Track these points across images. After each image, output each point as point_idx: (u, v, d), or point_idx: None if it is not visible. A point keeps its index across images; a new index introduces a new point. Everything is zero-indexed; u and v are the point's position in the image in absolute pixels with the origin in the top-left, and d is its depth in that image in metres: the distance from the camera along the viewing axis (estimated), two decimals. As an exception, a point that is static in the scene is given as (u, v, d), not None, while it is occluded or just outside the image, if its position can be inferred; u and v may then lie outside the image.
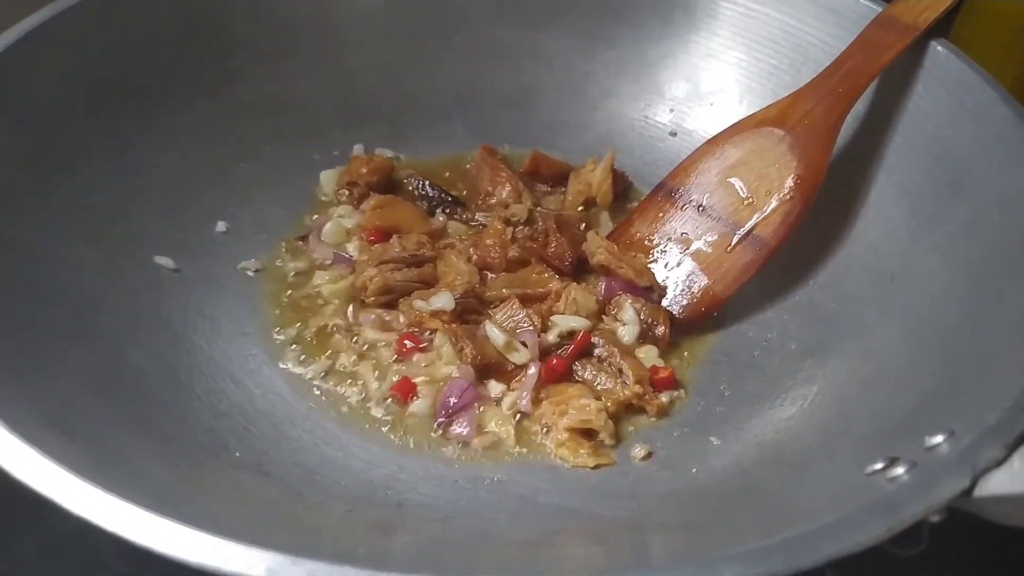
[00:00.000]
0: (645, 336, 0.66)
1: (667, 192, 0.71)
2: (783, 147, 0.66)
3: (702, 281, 0.67)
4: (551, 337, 0.64)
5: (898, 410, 0.52)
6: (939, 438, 0.44)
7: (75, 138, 0.63)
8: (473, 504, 0.54)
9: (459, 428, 0.60)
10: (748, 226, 0.66)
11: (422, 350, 0.64)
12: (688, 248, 0.68)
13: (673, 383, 0.63)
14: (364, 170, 0.75)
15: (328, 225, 0.72)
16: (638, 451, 0.59)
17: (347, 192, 0.75)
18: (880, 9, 0.70)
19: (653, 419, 0.61)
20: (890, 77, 0.68)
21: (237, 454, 0.54)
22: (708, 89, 0.79)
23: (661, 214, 0.71)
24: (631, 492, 0.56)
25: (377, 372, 0.63)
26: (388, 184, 0.77)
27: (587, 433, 0.59)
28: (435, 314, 0.65)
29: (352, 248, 0.71)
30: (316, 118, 0.78)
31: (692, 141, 0.78)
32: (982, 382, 0.48)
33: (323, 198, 0.76)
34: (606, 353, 0.63)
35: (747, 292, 0.68)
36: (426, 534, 0.51)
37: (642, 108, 0.80)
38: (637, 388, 0.60)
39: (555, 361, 0.63)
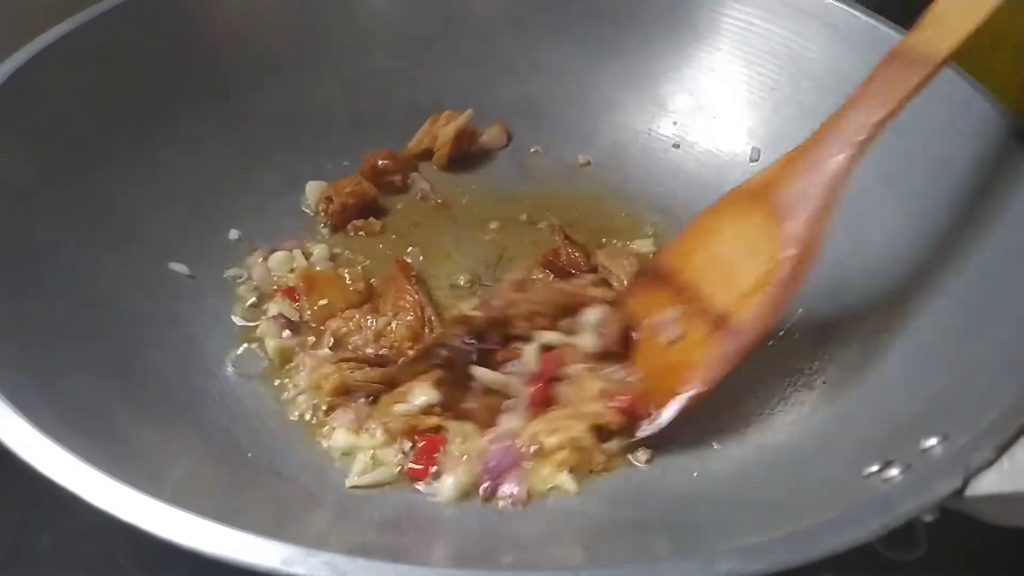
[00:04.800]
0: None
1: (654, 276, 0.63)
2: (763, 220, 0.56)
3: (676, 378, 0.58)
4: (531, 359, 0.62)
5: (895, 415, 0.53)
6: (933, 441, 0.45)
7: (93, 147, 0.65)
8: (476, 504, 0.56)
9: (509, 489, 0.55)
10: (729, 312, 0.57)
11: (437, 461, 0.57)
12: (670, 341, 0.60)
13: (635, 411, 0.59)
14: (348, 190, 0.74)
15: (279, 255, 0.70)
16: (641, 455, 0.59)
17: (324, 208, 0.74)
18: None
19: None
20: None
21: (250, 454, 0.55)
22: (711, 102, 0.80)
23: (649, 298, 0.63)
24: (634, 495, 0.56)
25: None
26: (368, 209, 0.75)
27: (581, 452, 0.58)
28: (427, 411, 0.58)
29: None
30: (326, 127, 0.79)
31: (694, 153, 0.80)
32: (976, 387, 0.49)
33: (305, 210, 0.76)
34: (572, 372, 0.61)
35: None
36: (433, 533, 0.52)
37: (646, 120, 0.81)
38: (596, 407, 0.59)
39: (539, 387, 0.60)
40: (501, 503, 0.55)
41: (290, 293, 0.67)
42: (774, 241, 0.55)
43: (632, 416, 0.58)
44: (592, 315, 0.62)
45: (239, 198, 0.73)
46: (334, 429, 0.59)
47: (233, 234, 0.71)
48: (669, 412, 0.57)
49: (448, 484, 0.55)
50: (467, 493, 0.55)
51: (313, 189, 0.76)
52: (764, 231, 0.55)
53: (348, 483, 0.55)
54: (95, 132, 0.65)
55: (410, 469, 0.56)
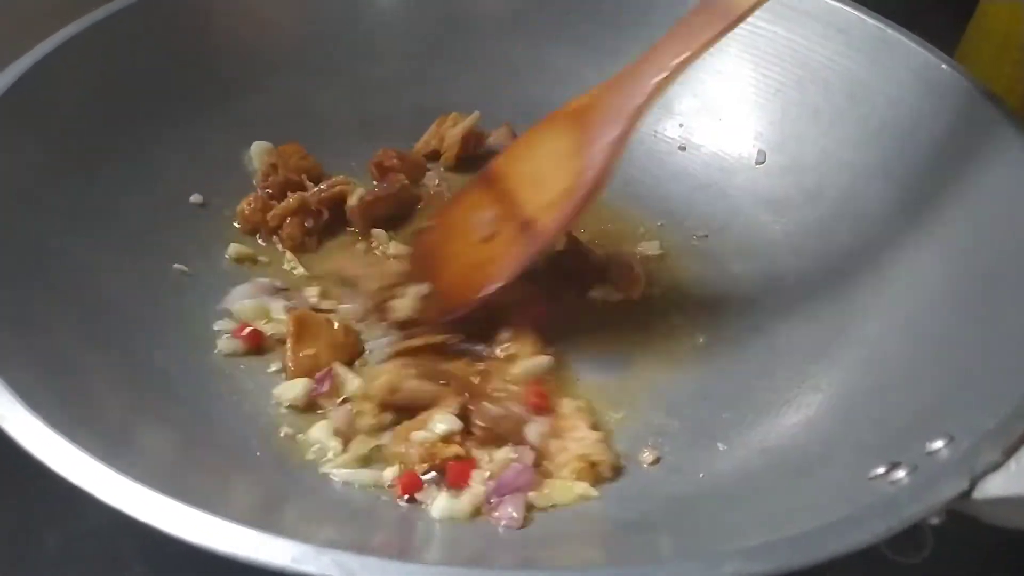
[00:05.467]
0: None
1: (485, 177, 0.68)
2: (574, 140, 0.61)
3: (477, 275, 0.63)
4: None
5: (900, 417, 0.53)
6: (939, 443, 0.45)
7: (99, 149, 0.65)
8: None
9: (507, 511, 0.53)
10: (534, 217, 0.61)
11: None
12: (483, 239, 0.64)
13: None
14: (321, 196, 0.72)
15: (244, 297, 0.65)
16: (646, 456, 0.59)
17: (264, 179, 0.72)
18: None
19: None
20: (894, 94, 0.70)
21: (258, 454, 0.56)
22: (717, 104, 0.80)
23: (474, 200, 0.67)
24: (639, 496, 0.57)
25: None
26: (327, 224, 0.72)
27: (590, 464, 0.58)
28: (447, 439, 0.57)
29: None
30: (333, 130, 0.79)
31: (701, 155, 0.80)
32: (982, 389, 0.49)
33: (249, 168, 0.75)
34: None
35: (756, 303, 0.69)
36: (441, 532, 0.52)
37: (651, 122, 0.81)
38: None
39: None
40: (500, 526, 0.53)
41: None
42: (579, 159, 0.59)
43: None
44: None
45: (244, 199, 0.73)
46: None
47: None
48: (468, 305, 0.62)
49: (445, 506, 0.54)
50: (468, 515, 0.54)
51: (259, 151, 0.75)
52: (573, 149, 0.60)
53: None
54: (100, 135, 0.66)
55: (403, 482, 0.55)
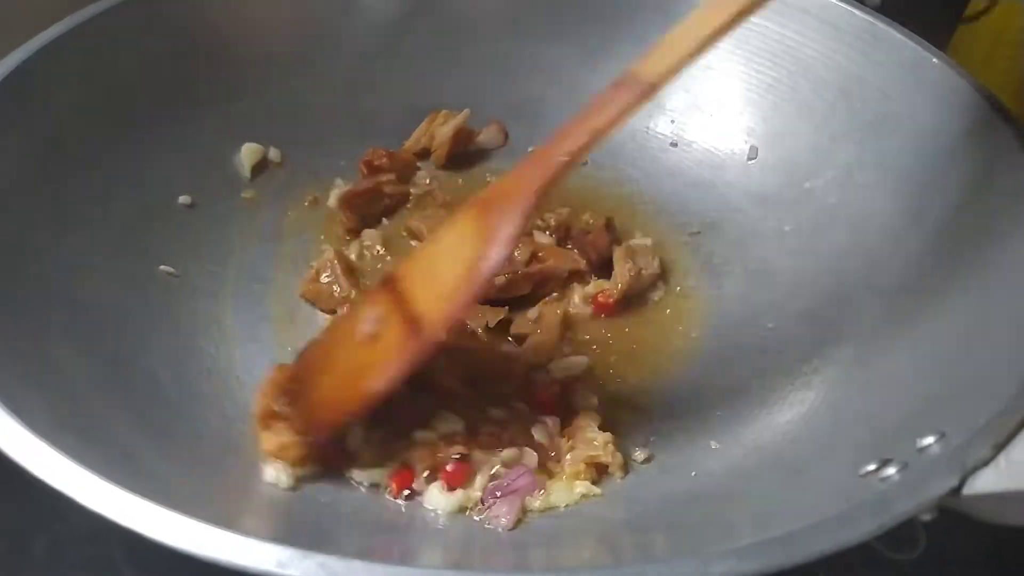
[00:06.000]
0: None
1: (383, 281, 0.59)
2: (474, 229, 0.55)
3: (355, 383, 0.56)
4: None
5: (892, 414, 0.53)
6: (930, 439, 0.45)
7: (88, 149, 0.65)
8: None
9: (500, 511, 0.54)
10: (423, 314, 0.54)
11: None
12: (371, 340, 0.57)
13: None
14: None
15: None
16: (638, 455, 0.59)
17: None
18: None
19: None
20: (886, 89, 0.69)
21: (246, 456, 0.55)
22: (708, 101, 0.80)
23: (369, 304, 0.59)
24: (632, 494, 0.56)
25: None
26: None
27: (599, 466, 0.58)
28: (446, 439, 0.57)
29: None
30: (324, 128, 0.79)
31: (692, 152, 0.80)
32: (973, 386, 0.49)
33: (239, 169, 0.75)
34: None
35: (749, 300, 0.69)
36: (430, 534, 0.52)
37: (643, 119, 0.81)
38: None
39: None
40: (488, 524, 0.54)
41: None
42: (474, 247, 0.54)
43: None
44: None
45: (234, 200, 0.73)
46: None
47: (228, 235, 0.71)
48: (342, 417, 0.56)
49: (442, 501, 0.54)
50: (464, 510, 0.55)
51: (250, 153, 0.75)
52: (471, 238, 0.54)
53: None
54: (87, 135, 0.65)
55: (397, 478, 0.55)
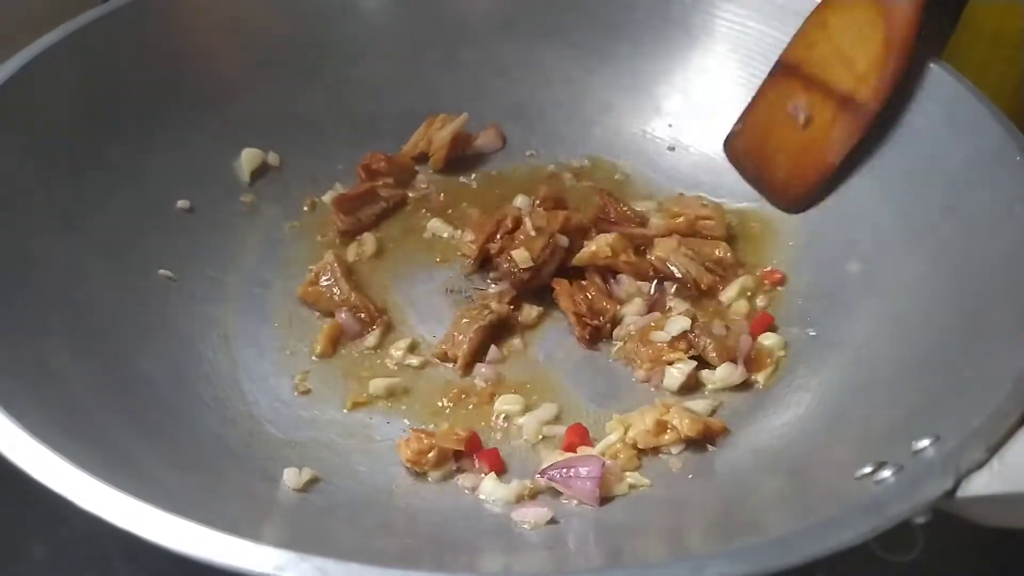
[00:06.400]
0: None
1: (783, 69, 0.74)
2: (869, 11, 0.67)
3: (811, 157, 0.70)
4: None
5: (887, 417, 0.53)
6: (925, 442, 0.45)
7: (84, 154, 0.65)
8: (472, 508, 0.56)
9: (531, 513, 0.54)
10: (851, 92, 0.68)
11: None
12: (803, 124, 0.71)
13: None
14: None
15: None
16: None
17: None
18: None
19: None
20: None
21: (244, 460, 0.56)
22: (705, 103, 0.80)
23: (779, 93, 0.73)
24: (629, 498, 0.56)
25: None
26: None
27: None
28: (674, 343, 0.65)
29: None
30: (321, 133, 0.79)
31: (690, 155, 0.80)
32: (967, 389, 0.49)
33: (239, 174, 0.75)
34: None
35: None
36: (427, 536, 0.52)
37: (640, 122, 0.82)
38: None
39: None
40: (519, 526, 0.54)
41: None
42: (880, 27, 0.66)
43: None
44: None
45: (232, 204, 0.73)
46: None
47: (226, 240, 0.71)
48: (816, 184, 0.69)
49: (499, 491, 0.56)
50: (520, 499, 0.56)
51: (251, 158, 0.76)
52: (870, 19, 0.66)
53: None
54: (85, 139, 0.66)
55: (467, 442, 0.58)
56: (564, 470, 0.56)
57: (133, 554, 0.56)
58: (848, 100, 0.67)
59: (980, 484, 0.41)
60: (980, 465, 0.42)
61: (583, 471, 0.55)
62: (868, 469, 0.46)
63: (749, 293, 0.70)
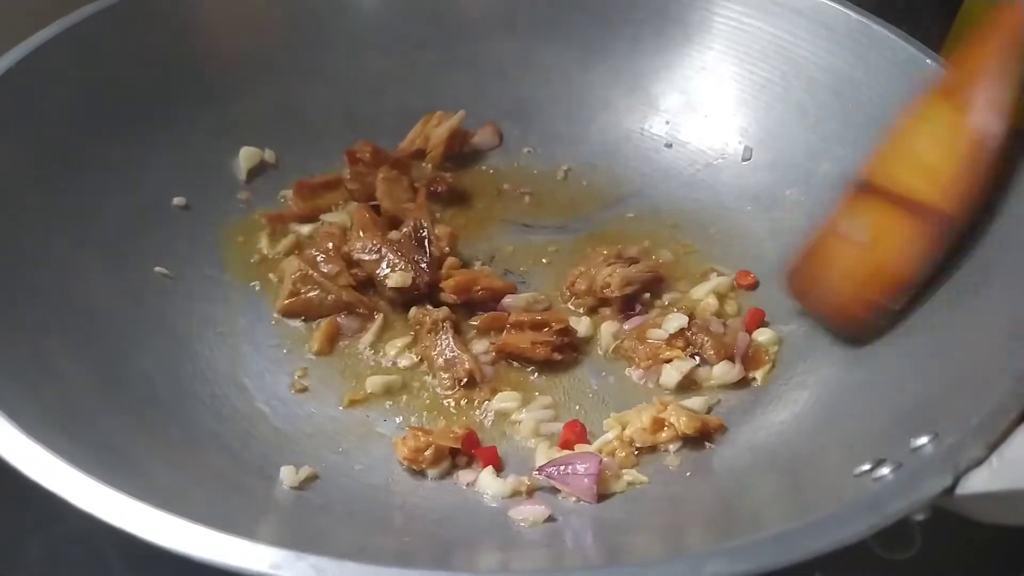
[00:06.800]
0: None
1: (860, 185, 0.65)
2: (949, 118, 0.60)
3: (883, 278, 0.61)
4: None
5: (886, 414, 0.53)
6: (924, 439, 0.45)
7: (81, 150, 0.65)
8: (469, 506, 0.56)
9: (528, 512, 0.54)
10: (925, 205, 0.59)
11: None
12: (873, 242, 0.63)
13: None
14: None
15: None
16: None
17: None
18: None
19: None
20: (879, 90, 0.70)
21: (240, 458, 0.55)
22: (702, 101, 0.80)
23: (856, 208, 0.64)
24: (627, 495, 0.56)
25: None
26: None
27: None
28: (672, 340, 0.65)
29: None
30: (319, 130, 0.79)
31: (687, 152, 0.80)
32: (966, 386, 0.49)
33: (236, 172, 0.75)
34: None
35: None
36: (424, 534, 0.52)
37: (638, 120, 0.81)
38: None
39: None
40: (517, 523, 0.54)
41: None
42: (962, 133, 0.59)
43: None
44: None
45: (229, 202, 0.73)
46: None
47: (223, 237, 0.71)
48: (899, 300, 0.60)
49: (495, 486, 0.56)
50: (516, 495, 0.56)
51: (249, 156, 0.75)
52: (950, 126, 0.59)
53: None
54: (83, 135, 0.65)
55: (465, 440, 0.58)
56: (562, 467, 0.56)
57: (129, 553, 0.56)
58: (926, 213, 0.59)
59: (979, 481, 0.41)
60: (979, 462, 0.42)
61: (581, 468, 0.55)
62: (867, 466, 0.46)
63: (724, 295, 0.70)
